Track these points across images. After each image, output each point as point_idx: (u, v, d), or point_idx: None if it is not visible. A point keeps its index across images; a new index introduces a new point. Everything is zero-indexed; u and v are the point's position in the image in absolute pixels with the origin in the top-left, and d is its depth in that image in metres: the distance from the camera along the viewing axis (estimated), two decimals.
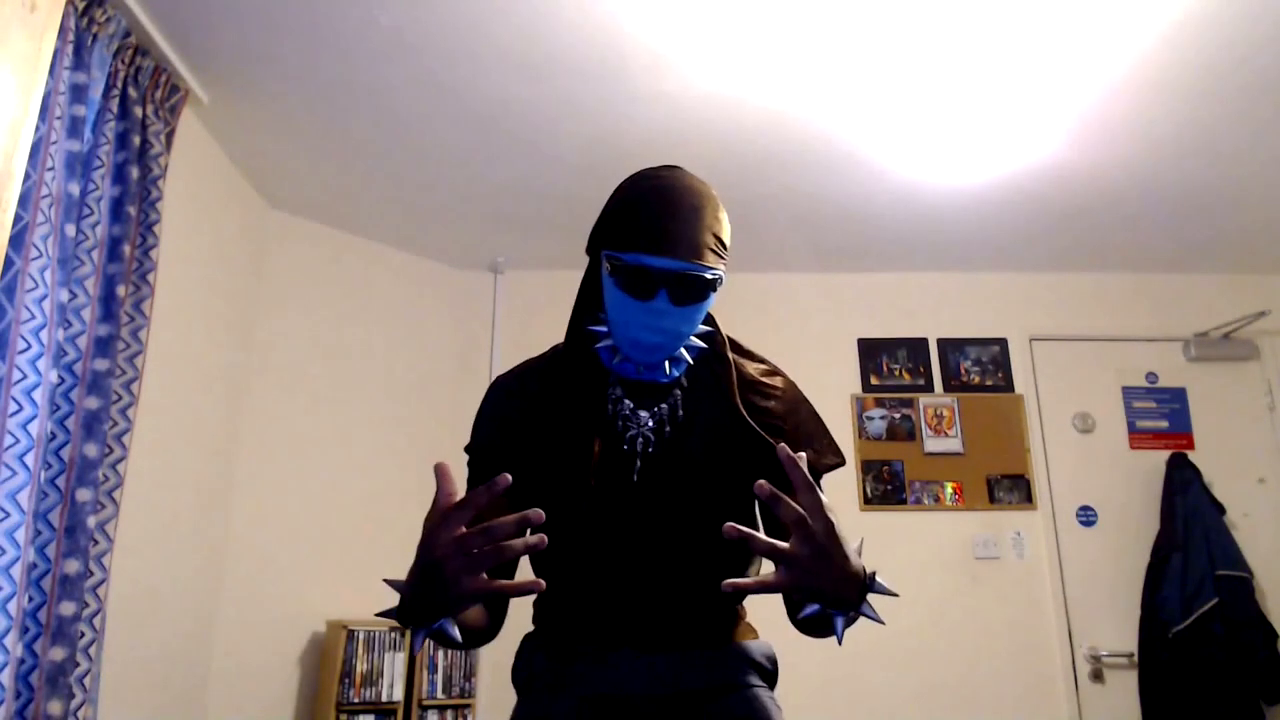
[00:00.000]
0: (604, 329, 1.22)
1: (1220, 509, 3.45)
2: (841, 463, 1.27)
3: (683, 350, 1.21)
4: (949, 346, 3.86)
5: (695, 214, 1.13)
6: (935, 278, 3.94)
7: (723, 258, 1.16)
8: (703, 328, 1.25)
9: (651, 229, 1.11)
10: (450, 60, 2.52)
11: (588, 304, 1.24)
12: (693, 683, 1.17)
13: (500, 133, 2.88)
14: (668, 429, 1.21)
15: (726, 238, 1.17)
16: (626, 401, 1.22)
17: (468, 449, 1.29)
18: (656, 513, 1.18)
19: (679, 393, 1.23)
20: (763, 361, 1.32)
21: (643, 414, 1.21)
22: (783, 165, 3.06)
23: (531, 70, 2.56)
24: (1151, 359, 3.81)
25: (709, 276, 1.14)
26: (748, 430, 1.20)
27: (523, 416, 1.24)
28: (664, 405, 1.22)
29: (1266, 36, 2.38)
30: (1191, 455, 3.58)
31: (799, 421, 1.26)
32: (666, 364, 1.21)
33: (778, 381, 1.29)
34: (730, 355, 1.26)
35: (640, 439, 1.20)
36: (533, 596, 1.30)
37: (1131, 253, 3.75)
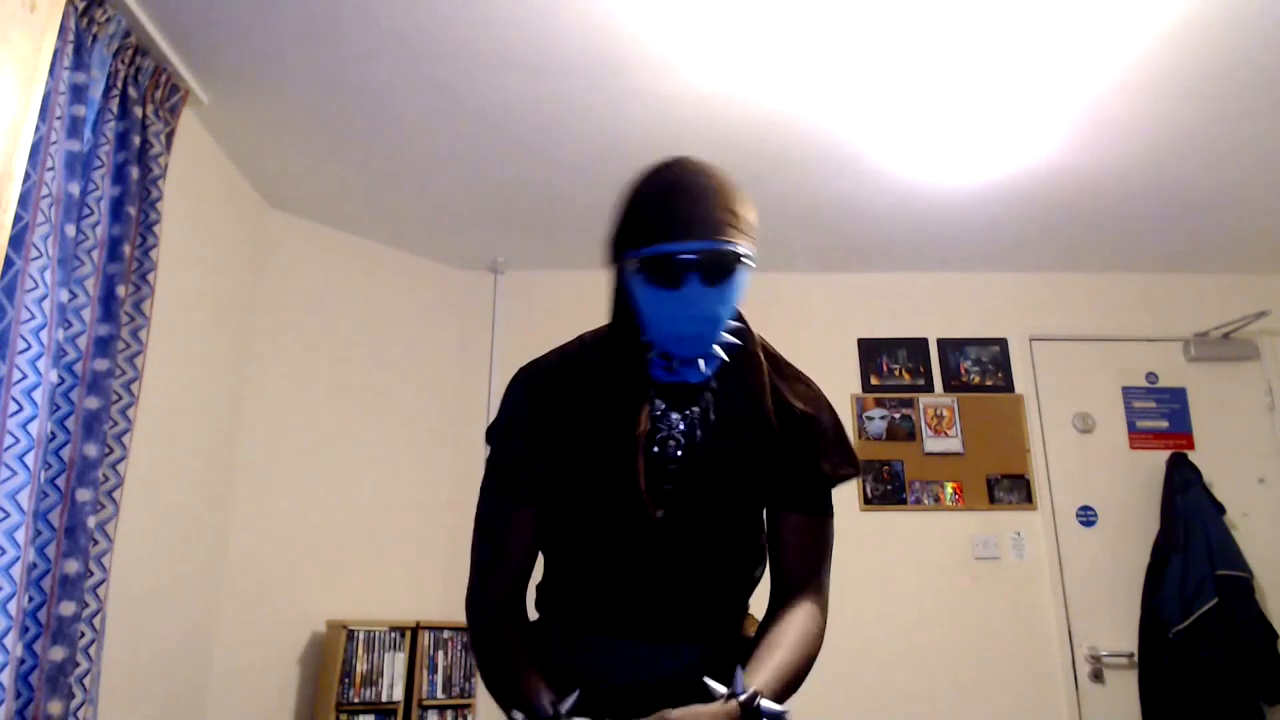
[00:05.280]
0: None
1: (1220, 509, 3.45)
2: (855, 473, 1.26)
3: (717, 347, 1.19)
4: (949, 346, 3.86)
5: (706, 192, 1.10)
6: (935, 278, 3.94)
7: (747, 234, 1.12)
8: (734, 324, 1.22)
9: (664, 216, 1.09)
10: (450, 60, 2.52)
11: (622, 316, 1.21)
12: (696, 673, 1.18)
13: (500, 133, 2.88)
14: (699, 433, 1.20)
15: (748, 214, 1.13)
16: (658, 402, 1.21)
17: (493, 438, 1.26)
18: (682, 514, 1.19)
19: (710, 395, 1.22)
20: (788, 363, 1.30)
21: (674, 416, 1.20)
22: (783, 165, 3.06)
23: (531, 70, 2.56)
24: (1151, 359, 3.81)
25: (735, 250, 1.10)
26: (774, 436, 1.20)
27: (552, 408, 1.22)
28: (695, 409, 1.21)
29: (1266, 37, 2.38)
30: (1191, 455, 3.58)
31: (820, 429, 1.24)
32: (701, 362, 1.19)
33: (804, 389, 1.27)
34: (760, 358, 1.24)
35: (671, 441, 1.19)
36: (538, 583, 1.31)
37: (1131, 253, 3.75)
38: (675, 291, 1.10)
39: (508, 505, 1.23)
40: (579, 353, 1.27)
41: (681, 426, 1.20)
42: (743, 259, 1.12)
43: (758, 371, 1.23)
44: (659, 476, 1.18)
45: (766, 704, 1.00)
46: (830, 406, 1.28)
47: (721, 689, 1.01)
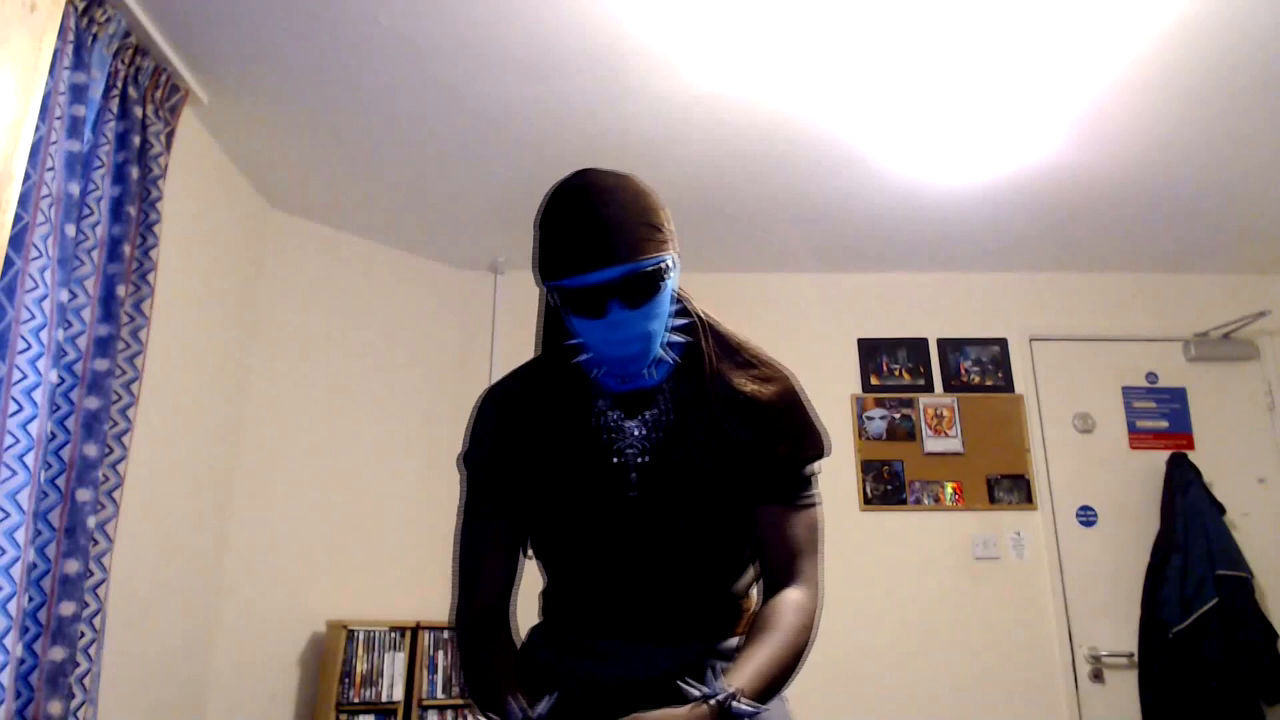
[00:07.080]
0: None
1: (1220, 509, 3.45)
2: (819, 454, 1.22)
3: (664, 351, 1.18)
4: (949, 346, 3.86)
5: (612, 213, 1.09)
6: (935, 278, 3.94)
7: (660, 242, 1.11)
8: (681, 320, 1.21)
9: (573, 247, 1.08)
10: (450, 60, 2.52)
11: (555, 328, 1.23)
12: (682, 675, 1.17)
13: (500, 133, 2.88)
14: (657, 436, 1.19)
15: (659, 220, 1.12)
16: (611, 414, 1.20)
17: (465, 461, 1.29)
18: (650, 522, 1.18)
19: (665, 397, 1.21)
20: (747, 349, 1.27)
21: (630, 424, 1.20)
22: (783, 165, 3.06)
23: (531, 70, 2.56)
24: (1151, 359, 3.81)
25: (650, 269, 1.09)
26: (727, 429, 1.19)
27: (517, 428, 1.24)
28: (651, 413, 1.20)
29: (1267, 37, 2.38)
30: (1191, 455, 3.58)
31: (774, 413, 1.21)
32: (649, 369, 1.18)
33: (758, 374, 1.24)
34: (709, 350, 1.22)
35: (631, 449, 1.19)
36: (538, 589, 1.32)
37: (1131, 253, 3.75)
38: (601, 319, 1.10)
39: (480, 523, 1.25)
40: (537, 369, 1.28)
41: (639, 433, 1.19)
42: (661, 270, 1.11)
43: (705, 366, 1.21)
44: (622, 484, 1.18)
45: (741, 705, 0.99)
46: (790, 389, 1.23)
47: (695, 690, 1.00)
